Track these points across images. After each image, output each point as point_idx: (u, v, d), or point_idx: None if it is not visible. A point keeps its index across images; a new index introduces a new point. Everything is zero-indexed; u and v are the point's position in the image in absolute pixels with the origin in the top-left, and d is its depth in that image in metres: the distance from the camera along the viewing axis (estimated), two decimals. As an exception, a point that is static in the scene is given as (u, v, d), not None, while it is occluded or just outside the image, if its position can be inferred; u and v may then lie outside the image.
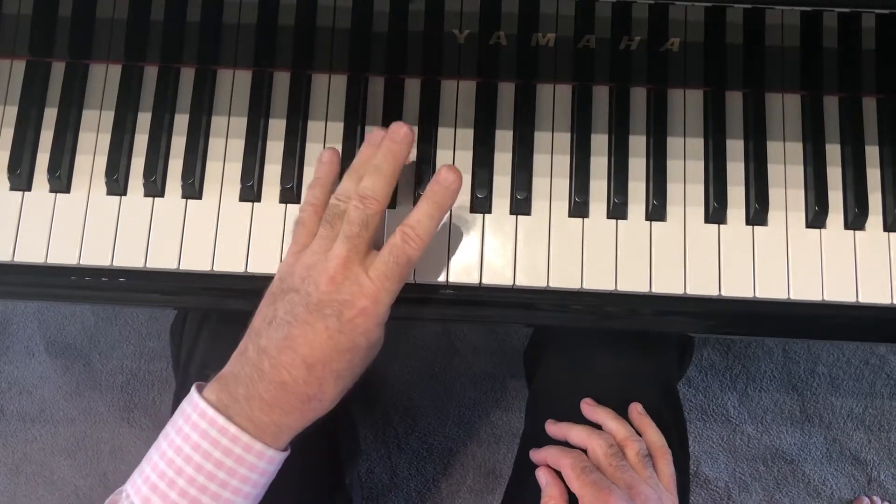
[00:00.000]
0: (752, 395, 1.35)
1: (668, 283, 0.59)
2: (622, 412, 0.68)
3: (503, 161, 0.61)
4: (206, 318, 0.75)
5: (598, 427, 0.66)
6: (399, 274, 0.53)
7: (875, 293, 0.59)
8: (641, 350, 0.73)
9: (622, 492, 0.59)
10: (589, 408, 0.68)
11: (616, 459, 0.62)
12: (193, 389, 0.53)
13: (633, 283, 0.59)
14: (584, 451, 0.64)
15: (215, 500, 0.50)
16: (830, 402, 1.35)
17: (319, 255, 0.53)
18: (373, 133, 0.57)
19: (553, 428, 0.68)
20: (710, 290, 0.59)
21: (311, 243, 0.54)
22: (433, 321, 0.62)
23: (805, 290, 0.59)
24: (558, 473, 0.64)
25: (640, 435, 0.65)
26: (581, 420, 0.68)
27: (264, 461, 0.52)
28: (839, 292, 0.59)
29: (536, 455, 0.67)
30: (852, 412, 1.34)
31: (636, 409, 0.68)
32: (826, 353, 1.36)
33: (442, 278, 0.60)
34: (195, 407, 0.51)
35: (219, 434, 0.50)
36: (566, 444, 0.67)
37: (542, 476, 0.65)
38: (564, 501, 0.62)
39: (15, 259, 0.60)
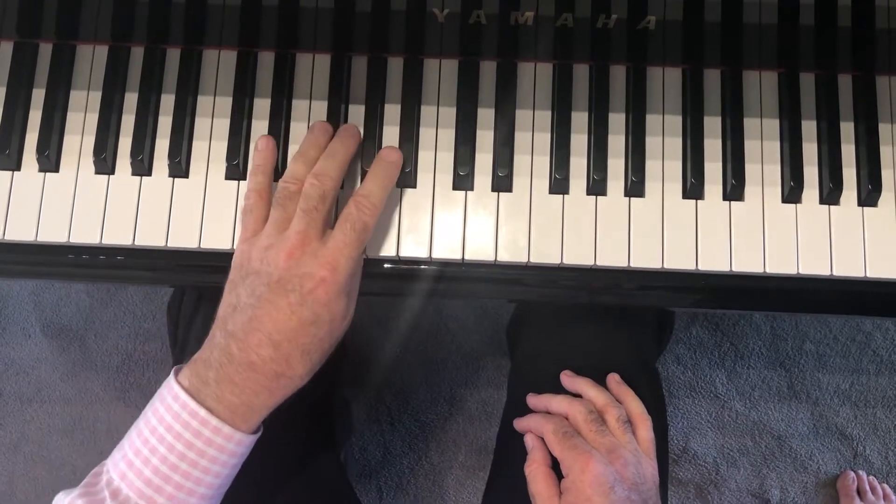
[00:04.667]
0: (741, 372, 1.37)
1: (646, 258, 0.60)
2: (601, 383, 0.69)
3: (485, 139, 0.62)
4: (202, 295, 0.76)
5: (578, 397, 0.68)
6: (357, 240, 0.55)
7: (849, 266, 0.60)
8: (619, 325, 0.75)
9: (602, 456, 0.60)
10: (569, 378, 0.70)
11: (596, 425, 0.63)
12: (171, 373, 0.55)
13: (612, 257, 0.60)
14: (565, 419, 0.66)
15: (186, 477, 0.52)
16: (817, 378, 1.36)
17: (275, 237, 0.54)
18: (316, 123, 0.60)
19: (534, 400, 0.70)
20: (687, 265, 0.60)
21: (265, 227, 0.56)
22: (418, 297, 0.63)
23: (780, 263, 0.60)
24: (542, 440, 0.65)
25: (619, 402, 0.67)
26: (561, 392, 0.69)
27: (233, 443, 0.53)
28: (814, 266, 0.60)
29: (520, 423, 0.68)
30: (839, 388, 1.36)
31: (614, 379, 0.69)
32: (813, 331, 1.38)
33: (425, 254, 0.61)
34: (170, 390, 0.54)
35: (189, 417, 0.52)
36: (548, 413, 0.68)
37: (529, 441, 0.66)
38: (547, 465, 0.64)
39: (5, 238, 0.61)
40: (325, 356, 0.56)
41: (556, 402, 0.67)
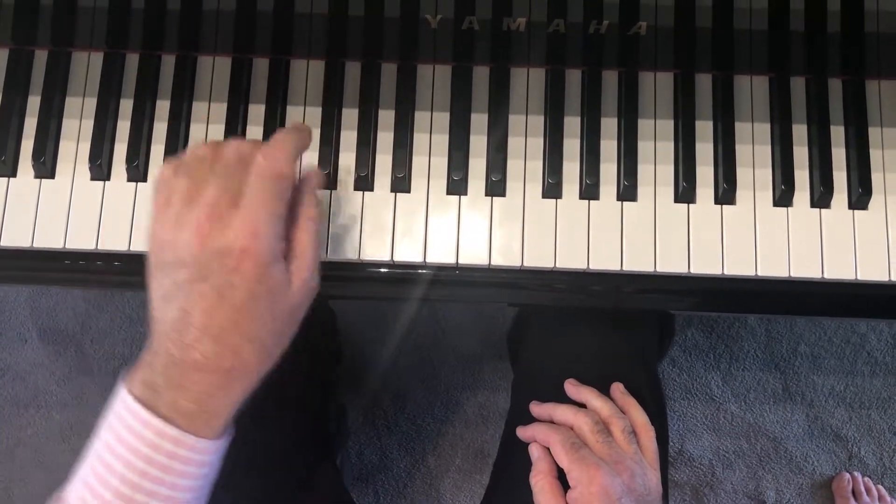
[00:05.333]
0: (736, 375, 1.37)
1: (638, 262, 0.61)
2: (604, 392, 0.69)
3: (479, 144, 0.63)
4: None
5: (582, 406, 0.68)
6: (273, 192, 0.47)
7: (840, 269, 0.61)
8: (621, 330, 0.75)
9: (609, 467, 0.60)
10: (573, 387, 0.69)
11: (602, 436, 0.63)
12: (121, 382, 0.49)
13: (604, 261, 0.61)
14: (571, 429, 0.66)
15: (152, 497, 0.46)
16: (812, 380, 1.37)
17: (182, 210, 0.47)
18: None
19: (538, 408, 0.69)
20: (679, 268, 0.61)
21: (172, 199, 0.48)
22: (413, 301, 0.63)
23: (773, 266, 0.61)
24: (548, 450, 0.65)
25: (623, 413, 0.67)
26: (565, 400, 0.69)
27: (198, 453, 0.47)
28: (805, 268, 0.61)
29: (524, 432, 0.68)
30: (834, 390, 1.37)
31: (619, 389, 0.69)
32: (808, 333, 1.38)
33: (420, 259, 0.61)
34: (122, 400, 0.47)
35: (143, 428, 0.46)
36: (552, 423, 0.68)
37: (535, 450, 0.66)
38: (553, 476, 0.63)
39: (2, 244, 0.61)
40: (286, 335, 0.49)
41: (560, 412, 0.66)
